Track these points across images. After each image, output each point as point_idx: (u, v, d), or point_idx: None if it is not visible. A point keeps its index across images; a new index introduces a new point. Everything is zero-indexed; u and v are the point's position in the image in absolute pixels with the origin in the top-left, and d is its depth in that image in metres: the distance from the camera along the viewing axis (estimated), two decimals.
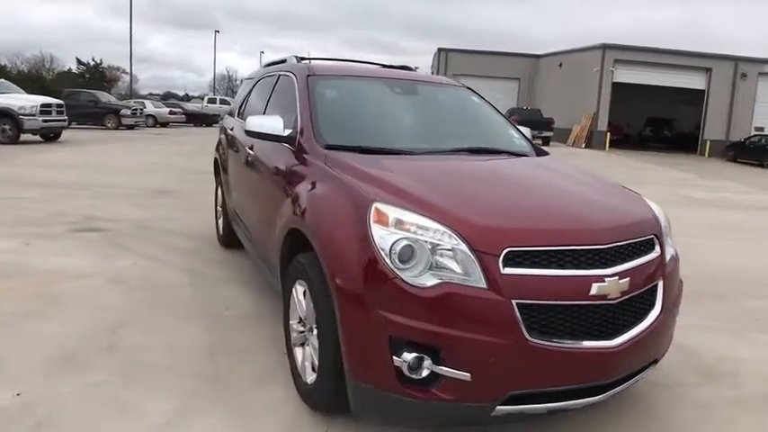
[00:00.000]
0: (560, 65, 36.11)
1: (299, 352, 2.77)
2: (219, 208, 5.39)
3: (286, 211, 2.90)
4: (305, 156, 3.05)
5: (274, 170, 3.36)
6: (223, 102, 37.30)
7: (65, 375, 2.81)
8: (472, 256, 2.09)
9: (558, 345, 2.10)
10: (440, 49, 42.43)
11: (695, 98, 31.64)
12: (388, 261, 2.10)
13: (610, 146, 29.69)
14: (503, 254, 2.10)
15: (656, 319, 2.41)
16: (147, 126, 27.34)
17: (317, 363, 2.49)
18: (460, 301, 2.05)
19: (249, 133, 3.34)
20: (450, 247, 2.11)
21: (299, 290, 2.70)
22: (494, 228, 2.20)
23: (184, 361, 3.03)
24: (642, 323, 2.34)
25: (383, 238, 2.14)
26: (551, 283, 2.12)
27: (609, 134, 30.25)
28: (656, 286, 2.49)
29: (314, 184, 2.76)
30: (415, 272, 2.09)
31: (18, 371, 2.82)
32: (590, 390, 2.23)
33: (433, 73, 48.62)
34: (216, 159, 5.50)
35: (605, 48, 30.74)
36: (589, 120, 31.07)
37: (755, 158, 24.35)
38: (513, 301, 2.06)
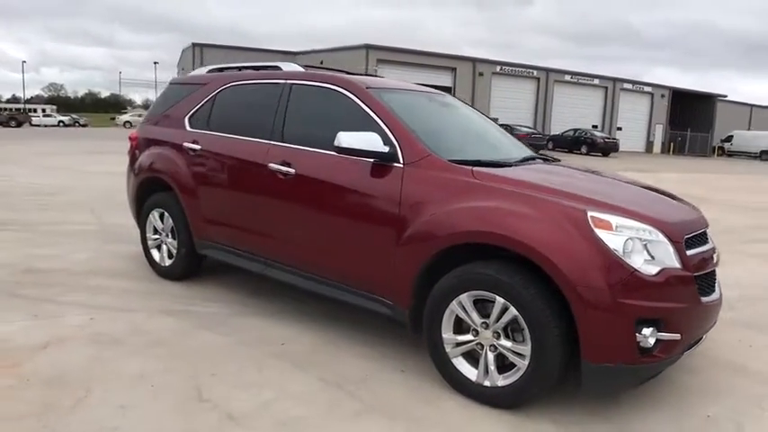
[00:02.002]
0: (321, 62, 37.81)
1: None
2: (157, 237, 4.51)
3: (425, 227, 2.88)
4: (431, 172, 2.99)
5: (368, 188, 3.14)
6: None
7: None
8: (670, 246, 2.63)
9: (707, 301, 2.82)
10: (194, 45, 40.42)
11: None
12: (623, 258, 2.50)
13: None
14: (684, 241, 2.72)
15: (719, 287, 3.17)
16: None
17: (525, 365, 2.62)
18: (672, 281, 2.60)
19: (342, 150, 3.10)
20: (655, 241, 2.61)
21: (458, 304, 2.79)
22: (674, 222, 2.79)
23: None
24: (716, 288, 3.08)
25: (612, 240, 2.52)
26: (700, 257, 2.82)
27: None
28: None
29: (483, 200, 2.78)
30: (639, 263, 2.52)
31: None
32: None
33: (182, 69, 46.07)
34: (142, 183, 4.54)
35: (368, 48, 33.32)
36: None
37: (567, 147, 32.81)
38: (694, 274, 2.70)
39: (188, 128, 4.22)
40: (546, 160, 3.78)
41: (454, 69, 36.15)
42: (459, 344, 2.83)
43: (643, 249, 2.55)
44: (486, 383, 2.74)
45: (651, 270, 2.52)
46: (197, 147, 4.05)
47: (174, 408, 2.58)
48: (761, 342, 3.85)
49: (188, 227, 4.15)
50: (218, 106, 4.09)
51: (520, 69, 39.03)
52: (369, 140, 3.06)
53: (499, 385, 2.71)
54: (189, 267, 4.35)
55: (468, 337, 2.80)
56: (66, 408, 2.52)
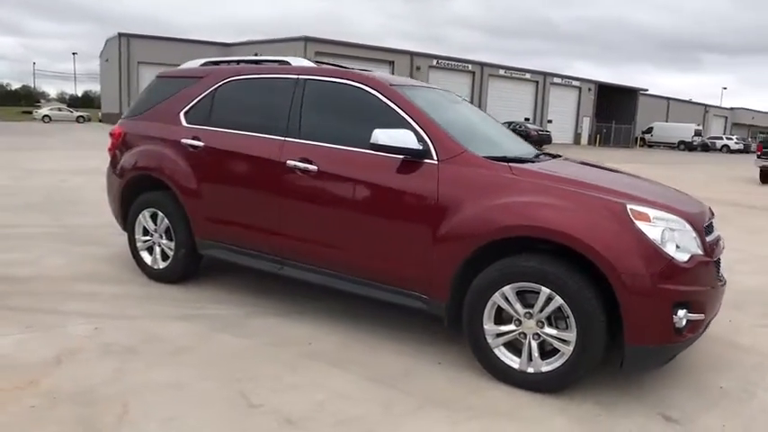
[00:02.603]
0: (256, 54, 36.99)
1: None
2: (148, 239, 4.27)
3: (467, 224, 2.91)
4: (469, 169, 3.03)
5: (400, 184, 3.13)
6: None
7: None
8: (694, 235, 2.84)
9: (720, 285, 3.05)
10: (120, 35, 38.36)
11: None
12: (662, 247, 2.68)
13: None
14: (703, 230, 2.94)
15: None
16: None
17: (570, 351, 2.73)
18: (700, 267, 2.82)
19: (377, 147, 3.09)
20: (683, 230, 2.82)
21: (501, 296, 2.85)
22: (694, 213, 3.02)
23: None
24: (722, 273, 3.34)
25: (650, 231, 2.69)
26: (713, 245, 3.04)
27: None
28: None
29: (527, 195, 2.86)
30: (673, 251, 2.71)
31: None
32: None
33: (107, 60, 43.59)
34: (129, 182, 4.26)
35: (307, 40, 32.86)
36: None
37: None
38: (713, 260, 2.92)
39: (184, 123, 4.00)
40: (552, 156, 3.90)
41: (392, 63, 36.30)
42: (500, 334, 2.89)
43: (675, 239, 2.73)
44: (530, 370, 2.83)
45: (683, 257, 2.71)
46: (198, 143, 3.85)
47: (226, 416, 2.47)
48: (741, 319, 4.16)
49: (188, 227, 3.95)
50: (220, 101, 3.90)
51: (456, 63, 39.79)
52: (403, 138, 3.05)
53: (543, 371, 2.80)
54: (188, 269, 4.15)
55: (511, 327, 2.87)
56: (109, 425, 2.35)
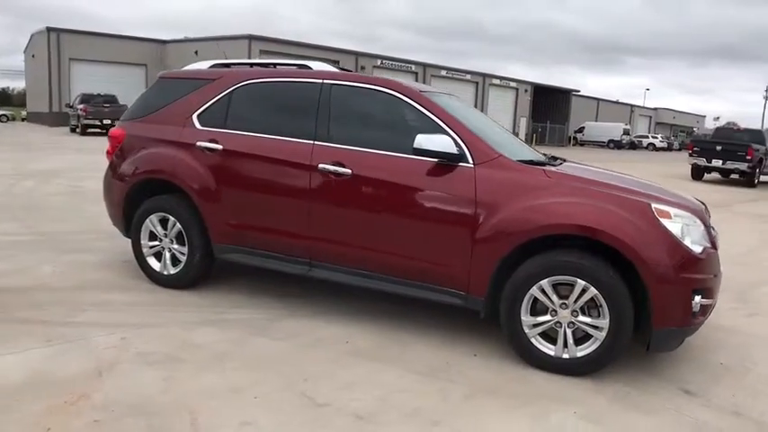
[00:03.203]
0: (196, 52, 36.04)
1: None
2: (156, 244, 4.16)
3: (507, 223, 3.10)
4: (505, 173, 3.22)
5: (437, 187, 3.29)
6: None
7: None
8: (703, 229, 3.16)
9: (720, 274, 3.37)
10: (49, 29, 36.16)
11: None
12: (683, 241, 2.98)
13: None
14: (708, 224, 3.28)
15: None
16: None
17: (603, 336, 2.99)
18: (709, 257, 3.13)
19: (420, 152, 3.23)
20: (695, 225, 3.13)
21: (539, 288, 3.05)
22: (701, 210, 3.40)
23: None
24: None
25: (673, 227, 2.99)
26: (714, 238, 3.33)
27: None
28: None
29: (565, 196, 3.10)
30: (690, 244, 3.02)
31: None
32: None
33: (33, 56, 41.03)
34: (135, 186, 4.15)
35: (251, 38, 32.26)
36: None
37: None
38: (716, 251, 3.25)
39: (198, 126, 3.95)
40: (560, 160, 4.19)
41: (337, 62, 36.23)
42: (536, 325, 3.10)
43: (690, 233, 3.04)
44: (566, 356, 3.06)
45: (698, 249, 3.03)
46: (216, 146, 3.81)
47: (298, 417, 2.52)
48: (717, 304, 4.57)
49: (204, 231, 3.90)
50: (238, 103, 3.88)
51: (399, 64, 40.23)
52: (443, 143, 3.21)
53: (578, 356, 3.04)
54: (201, 274, 4.09)
55: (547, 317, 3.08)
56: None
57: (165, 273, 4.15)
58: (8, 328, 3.34)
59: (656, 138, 52.52)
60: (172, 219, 4.04)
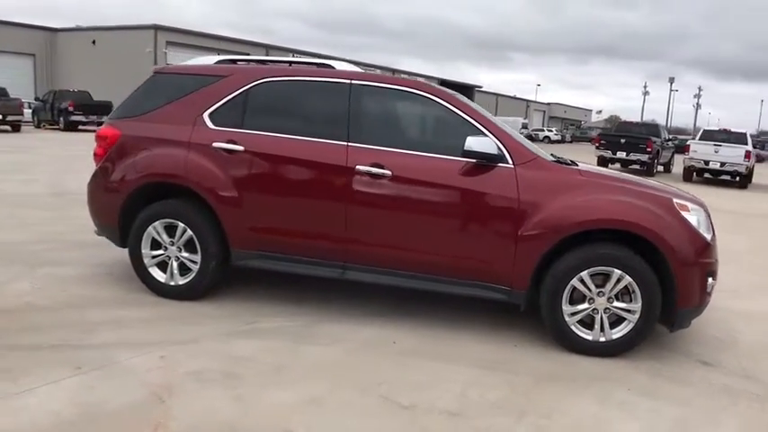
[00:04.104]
0: (94, 42, 33.53)
1: None
2: (160, 253, 3.89)
3: (550, 220, 3.30)
4: (544, 172, 3.44)
5: (480, 187, 3.42)
6: None
7: None
8: (708, 220, 3.56)
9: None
10: None
11: None
12: (700, 231, 3.36)
13: None
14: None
15: None
16: None
17: (636, 319, 3.29)
18: (714, 244, 3.54)
19: (470, 153, 3.34)
20: (705, 215, 3.51)
21: (579, 279, 3.30)
22: (704, 202, 3.72)
23: None
24: None
25: (691, 218, 3.37)
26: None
27: None
28: None
29: (602, 193, 3.37)
30: (703, 232, 3.41)
31: None
32: None
33: None
34: (136, 191, 3.86)
35: (157, 29, 30.43)
36: None
37: None
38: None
39: (211, 125, 3.74)
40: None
41: (248, 54, 35.09)
42: (574, 313, 3.34)
43: (702, 223, 3.42)
44: (602, 339, 3.33)
45: (709, 237, 3.42)
46: (236, 147, 3.64)
47: (392, 422, 2.55)
48: None
49: (223, 237, 3.72)
50: (256, 102, 3.71)
51: (316, 58, 39.74)
52: (488, 144, 3.35)
53: (614, 338, 3.32)
54: (215, 282, 3.90)
55: (585, 305, 3.33)
56: None
57: (173, 283, 3.90)
58: (21, 357, 3.00)
59: (552, 131, 56.25)
60: (181, 225, 3.80)
